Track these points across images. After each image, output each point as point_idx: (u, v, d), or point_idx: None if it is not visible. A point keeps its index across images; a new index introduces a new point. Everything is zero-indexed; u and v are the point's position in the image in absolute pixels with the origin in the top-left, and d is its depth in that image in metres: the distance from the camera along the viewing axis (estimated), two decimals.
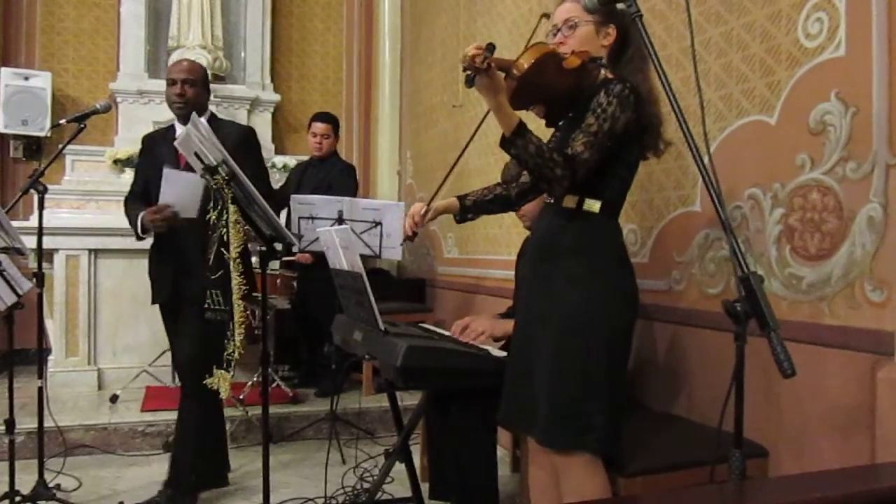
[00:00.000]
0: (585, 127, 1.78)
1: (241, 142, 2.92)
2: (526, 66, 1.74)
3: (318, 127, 4.53)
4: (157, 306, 3.04)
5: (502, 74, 1.76)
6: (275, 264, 4.04)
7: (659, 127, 1.89)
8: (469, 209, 2.23)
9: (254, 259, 3.14)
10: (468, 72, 1.67)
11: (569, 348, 1.81)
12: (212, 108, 5.68)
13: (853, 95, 1.86)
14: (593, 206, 1.86)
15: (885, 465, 1.65)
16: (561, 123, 1.99)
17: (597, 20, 1.88)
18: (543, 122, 2.01)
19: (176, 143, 2.38)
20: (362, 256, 2.38)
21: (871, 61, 1.81)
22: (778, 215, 2.08)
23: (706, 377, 2.32)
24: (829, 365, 1.89)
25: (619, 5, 1.63)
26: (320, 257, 2.76)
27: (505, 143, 1.77)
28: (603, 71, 1.90)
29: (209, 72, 3.10)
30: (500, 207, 2.28)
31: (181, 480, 2.88)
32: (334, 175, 4.47)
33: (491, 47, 1.67)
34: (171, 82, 2.95)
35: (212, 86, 5.43)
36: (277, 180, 5.75)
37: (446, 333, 2.60)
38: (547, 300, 1.89)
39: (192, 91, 2.93)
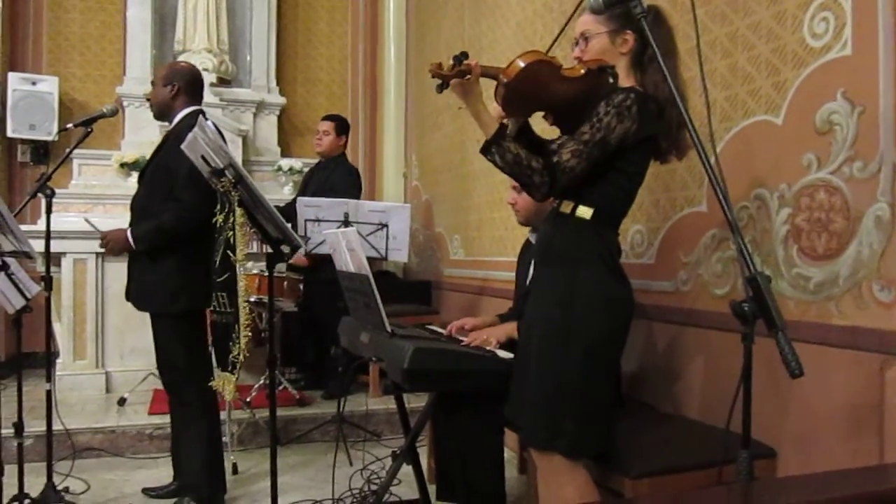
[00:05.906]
0: (578, 135, 1.79)
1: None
2: (513, 73, 1.73)
3: (319, 124, 4.62)
4: None
5: (494, 82, 1.77)
6: (280, 266, 4.04)
7: (676, 130, 1.87)
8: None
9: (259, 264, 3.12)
10: (436, 79, 1.71)
11: (548, 353, 1.84)
12: (217, 111, 5.64)
13: (860, 95, 1.85)
14: (585, 213, 1.86)
15: (894, 465, 1.64)
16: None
17: (611, 29, 1.88)
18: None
19: (183, 147, 2.39)
20: (368, 258, 2.38)
21: (877, 60, 1.80)
22: (785, 215, 2.07)
23: (713, 378, 2.31)
24: (837, 365, 1.88)
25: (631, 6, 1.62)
26: (325, 259, 2.76)
27: (482, 150, 1.80)
28: (613, 79, 1.85)
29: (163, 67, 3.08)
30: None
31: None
32: (337, 177, 4.48)
33: (460, 57, 1.70)
34: None
35: (217, 89, 5.50)
36: (283, 183, 5.78)
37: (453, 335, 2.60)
38: (539, 303, 1.93)
39: (151, 92, 3.04)
